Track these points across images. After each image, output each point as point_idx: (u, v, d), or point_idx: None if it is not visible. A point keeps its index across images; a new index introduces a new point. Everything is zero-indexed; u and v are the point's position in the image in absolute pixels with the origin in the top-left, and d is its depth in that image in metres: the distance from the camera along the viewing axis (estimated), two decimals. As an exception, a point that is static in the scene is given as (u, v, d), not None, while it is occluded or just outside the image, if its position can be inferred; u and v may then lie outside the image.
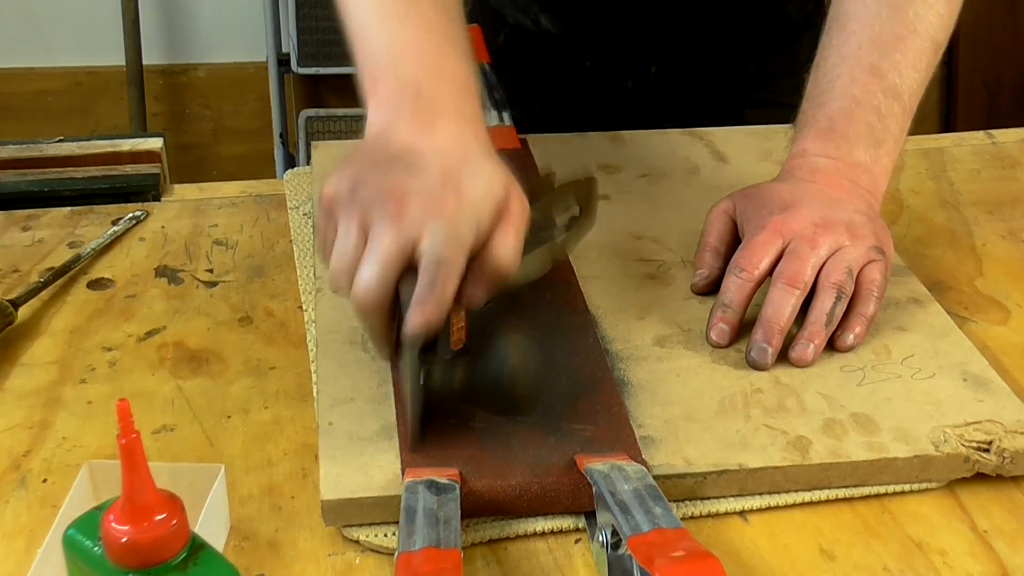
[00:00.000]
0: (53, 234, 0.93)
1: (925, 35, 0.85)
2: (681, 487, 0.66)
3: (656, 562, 0.55)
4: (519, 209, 0.68)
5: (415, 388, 0.66)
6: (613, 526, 0.61)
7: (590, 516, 0.65)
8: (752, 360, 0.75)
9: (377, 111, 0.72)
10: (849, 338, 0.77)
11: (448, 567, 0.57)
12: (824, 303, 0.76)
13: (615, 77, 1.15)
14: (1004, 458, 0.68)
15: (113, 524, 0.53)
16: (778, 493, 0.67)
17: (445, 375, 0.67)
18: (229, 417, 0.74)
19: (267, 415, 0.74)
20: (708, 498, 0.67)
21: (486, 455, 0.66)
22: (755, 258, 0.78)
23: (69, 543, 0.56)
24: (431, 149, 0.69)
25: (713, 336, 0.77)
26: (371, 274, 0.65)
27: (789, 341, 0.76)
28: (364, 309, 0.67)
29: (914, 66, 0.84)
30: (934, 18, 0.85)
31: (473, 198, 0.66)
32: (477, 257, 0.67)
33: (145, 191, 0.98)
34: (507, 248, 0.67)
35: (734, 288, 0.78)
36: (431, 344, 0.67)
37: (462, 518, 0.62)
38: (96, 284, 0.88)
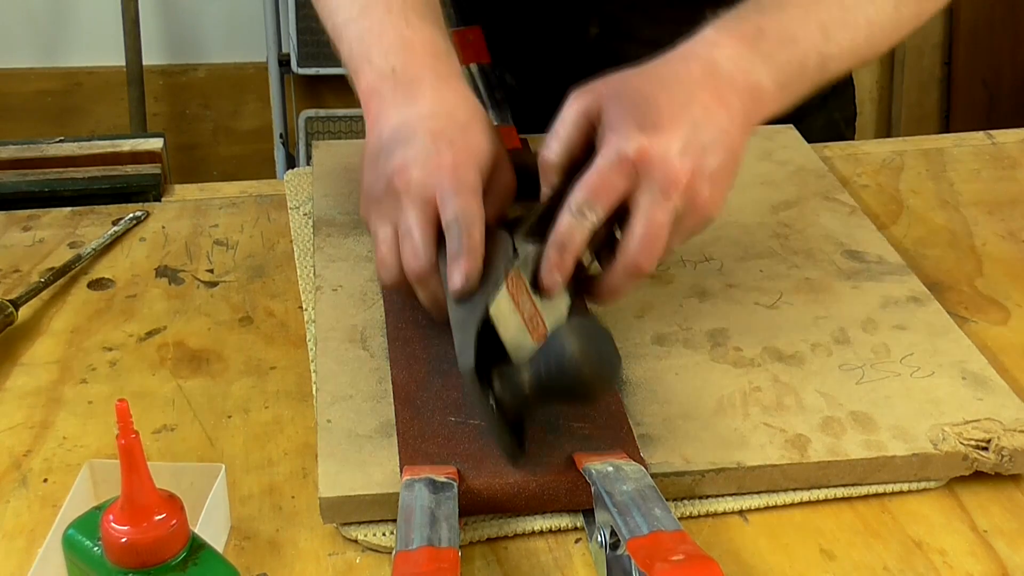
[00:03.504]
0: (54, 234, 0.93)
1: (870, 30, 0.80)
2: (679, 485, 0.67)
3: (656, 566, 0.55)
4: (503, 145, 0.74)
5: (485, 408, 0.65)
6: (612, 526, 0.61)
7: (588, 515, 0.65)
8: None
9: (366, 102, 0.76)
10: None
11: (446, 566, 0.57)
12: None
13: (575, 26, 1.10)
14: (1003, 456, 0.68)
15: (113, 524, 0.53)
16: (777, 492, 0.67)
17: (511, 381, 0.64)
18: (229, 417, 0.74)
19: (267, 415, 0.74)
20: (707, 497, 0.67)
21: (484, 453, 0.66)
22: (600, 199, 0.68)
23: (69, 543, 0.56)
24: (417, 117, 0.72)
25: (546, 282, 0.69)
26: (408, 250, 0.70)
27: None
28: (420, 282, 0.71)
29: (851, 52, 0.79)
30: (887, 20, 0.81)
31: (466, 144, 0.71)
32: (487, 189, 0.71)
33: (145, 191, 0.98)
34: (510, 174, 0.74)
35: (570, 228, 0.69)
36: (502, 354, 0.66)
37: (460, 516, 0.62)
38: (97, 284, 0.88)
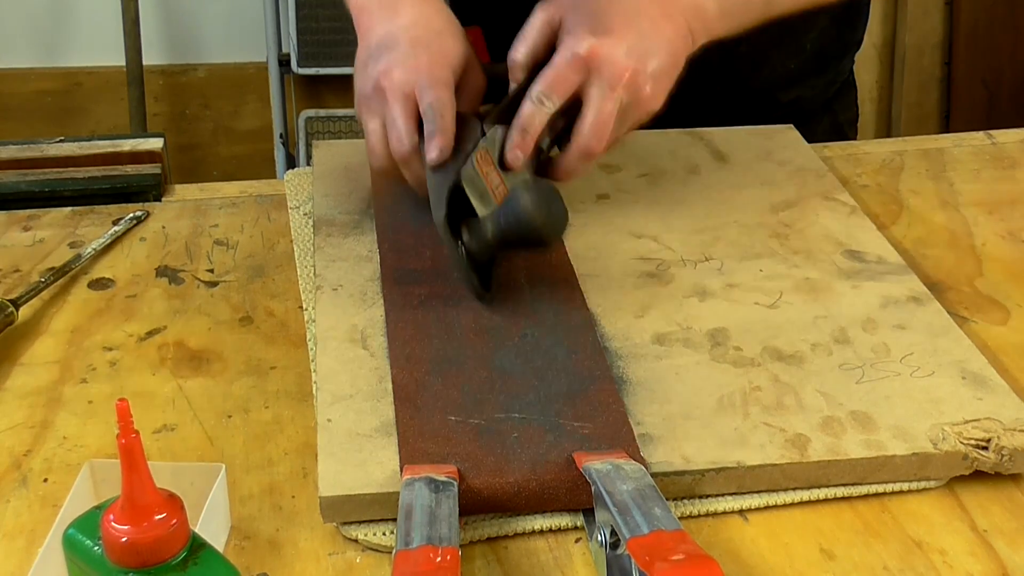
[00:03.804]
0: (54, 234, 0.93)
1: None
2: (679, 485, 0.67)
3: (656, 565, 0.55)
4: (473, 51, 0.86)
5: (455, 254, 0.78)
6: (612, 525, 0.61)
7: (588, 514, 0.65)
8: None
9: (356, 18, 0.88)
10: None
11: (446, 565, 0.57)
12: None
13: None
14: (1003, 456, 0.68)
15: (113, 524, 0.53)
16: (777, 491, 0.68)
17: (478, 232, 0.77)
18: (230, 417, 0.74)
19: (267, 415, 0.74)
20: (707, 496, 0.67)
21: (484, 452, 0.66)
22: (556, 90, 0.80)
23: (69, 543, 0.56)
24: (399, 27, 0.85)
25: (509, 158, 0.80)
26: (394, 137, 0.82)
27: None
28: (404, 163, 0.83)
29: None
30: None
31: (440, 48, 0.83)
32: (459, 88, 0.84)
33: (146, 191, 0.98)
34: (480, 75, 0.87)
35: (531, 113, 0.80)
36: (471, 210, 0.78)
37: (460, 515, 0.62)
38: (97, 284, 0.88)
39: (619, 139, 0.83)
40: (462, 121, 0.82)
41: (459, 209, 0.79)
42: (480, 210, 0.79)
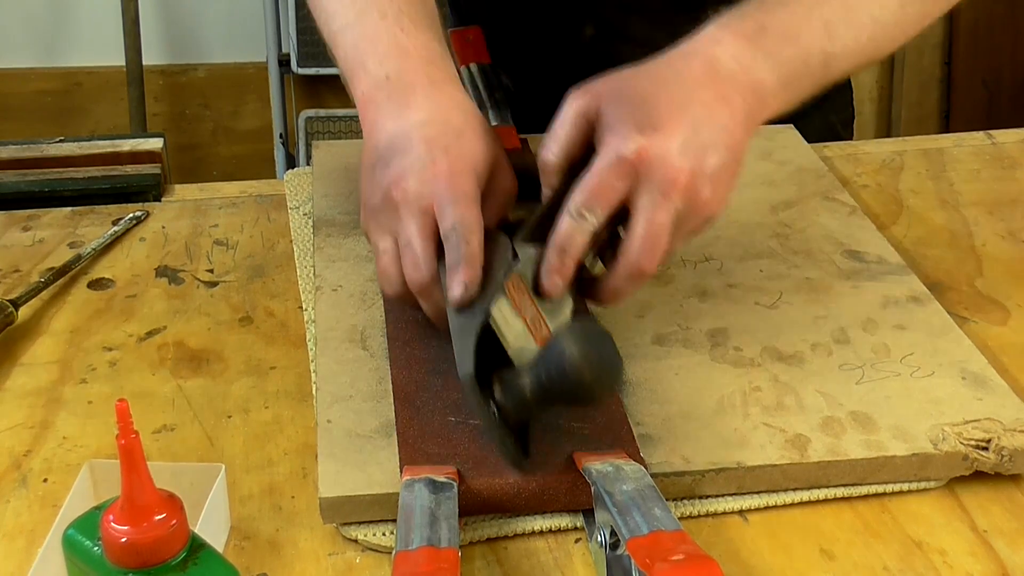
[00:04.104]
0: (54, 234, 0.93)
1: (875, 29, 0.78)
2: (679, 485, 0.67)
3: (655, 565, 0.55)
4: (501, 148, 0.75)
5: (486, 415, 0.64)
6: (612, 526, 0.61)
7: (588, 514, 0.65)
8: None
9: (363, 111, 0.76)
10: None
11: (445, 566, 0.57)
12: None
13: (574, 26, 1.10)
14: (1003, 456, 0.68)
15: (113, 524, 0.53)
16: (777, 492, 0.67)
17: (512, 388, 0.64)
18: (229, 417, 0.74)
19: (267, 415, 0.74)
20: (707, 497, 0.67)
21: (484, 453, 0.66)
22: (599, 201, 0.68)
23: (69, 543, 0.56)
24: (412, 125, 0.72)
25: (546, 285, 0.68)
26: (409, 262, 0.70)
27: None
28: (422, 293, 0.71)
29: (856, 51, 0.77)
30: (892, 19, 0.80)
31: (461, 151, 0.71)
32: (486, 193, 0.72)
33: (145, 191, 0.98)
34: (509, 177, 0.74)
35: (570, 231, 0.68)
36: (503, 360, 0.65)
37: (460, 516, 0.62)
38: (97, 284, 0.88)
39: (673, 252, 0.70)
40: (489, 240, 0.69)
41: (488, 350, 0.66)
42: (517, 355, 0.66)
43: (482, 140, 0.73)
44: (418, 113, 0.73)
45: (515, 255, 0.69)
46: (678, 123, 0.68)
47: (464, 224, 0.68)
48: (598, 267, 0.72)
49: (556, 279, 0.68)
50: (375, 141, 0.74)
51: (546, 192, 0.72)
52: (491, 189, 0.74)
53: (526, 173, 0.75)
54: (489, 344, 0.66)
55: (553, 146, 0.71)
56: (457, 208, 0.69)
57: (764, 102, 0.73)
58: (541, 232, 0.69)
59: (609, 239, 0.71)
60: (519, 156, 0.78)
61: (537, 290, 0.68)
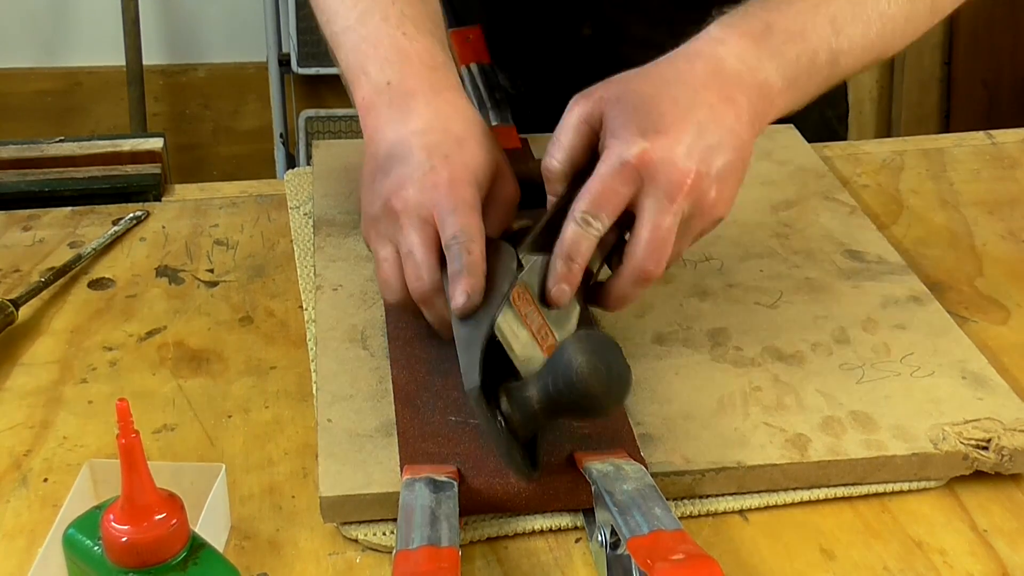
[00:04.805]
0: (54, 234, 0.93)
1: (883, 25, 0.77)
2: (679, 485, 0.67)
3: (656, 565, 0.55)
4: (503, 155, 0.74)
5: (492, 427, 0.63)
6: (612, 525, 0.61)
7: (588, 514, 0.65)
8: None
9: (363, 117, 0.75)
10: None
11: (446, 565, 0.57)
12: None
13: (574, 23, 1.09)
14: (1003, 456, 0.68)
15: (113, 524, 0.53)
16: (777, 491, 0.67)
17: (520, 400, 0.63)
18: (230, 416, 0.74)
19: (267, 415, 0.74)
20: (707, 496, 0.67)
21: (484, 452, 0.66)
22: (604, 207, 0.67)
23: (69, 542, 0.56)
24: (412, 132, 0.72)
25: (553, 293, 0.67)
26: (411, 271, 0.69)
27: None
28: (424, 303, 0.70)
29: (863, 47, 0.76)
30: (900, 15, 0.78)
31: (462, 159, 0.70)
32: (489, 201, 0.71)
33: (146, 191, 0.98)
34: (512, 185, 0.73)
35: (576, 238, 0.67)
36: (508, 371, 0.65)
37: (460, 516, 0.62)
38: (97, 284, 0.88)
39: (680, 255, 0.70)
40: (493, 250, 0.68)
41: (494, 361, 0.65)
42: (523, 366, 0.65)
43: (483, 148, 0.72)
44: (418, 120, 0.72)
45: (519, 264, 0.68)
46: (682, 126, 0.68)
47: (465, 233, 0.67)
48: (604, 272, 0.72)
49: (563, 287, 0.67)
50: (375, 149, 0.73)
51: (551, 199, 0.72)
52: (493, 197, 0.73)
53: (529, 181, 0.75)
54: (495, 355, 0.65)
55: (557, 153, 0.70)
56: (458, 217, 0.68)
57: (771, 102, 0.72)
58: (546, 239, 0.68)
59: (616, 243, 0.70)
60: (522, 164, 0.76)
61: (543, 299, 0.68)
